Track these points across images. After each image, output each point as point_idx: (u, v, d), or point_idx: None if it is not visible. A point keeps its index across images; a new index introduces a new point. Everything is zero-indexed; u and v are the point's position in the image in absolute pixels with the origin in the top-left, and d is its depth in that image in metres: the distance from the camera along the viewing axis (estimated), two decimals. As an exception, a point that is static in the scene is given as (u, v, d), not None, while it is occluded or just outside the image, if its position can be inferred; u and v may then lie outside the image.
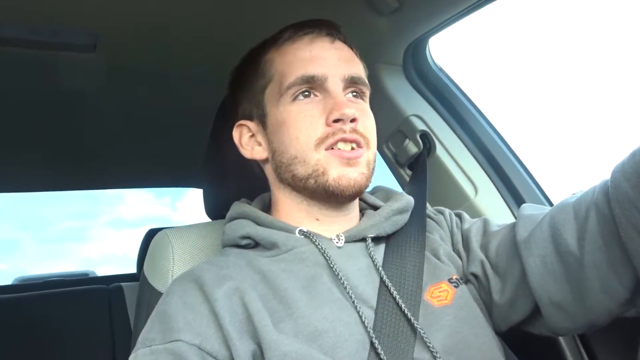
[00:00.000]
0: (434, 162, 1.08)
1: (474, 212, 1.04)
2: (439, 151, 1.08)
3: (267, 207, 0.76)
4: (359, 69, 0.70)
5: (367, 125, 0.68)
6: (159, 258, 0.79)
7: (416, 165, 1.05)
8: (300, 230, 0.66)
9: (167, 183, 2.12)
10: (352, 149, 0.65)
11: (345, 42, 0.72)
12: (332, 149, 0.65)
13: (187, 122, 1.41)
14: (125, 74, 1.17)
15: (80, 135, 1.50)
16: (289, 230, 0.67)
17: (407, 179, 1.16)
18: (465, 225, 0.74)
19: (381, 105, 1.10)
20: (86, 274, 2.49)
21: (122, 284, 1.79)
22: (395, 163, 1.17)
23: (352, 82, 0.68)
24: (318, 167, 0.64)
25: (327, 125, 0.64)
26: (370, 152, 0.68)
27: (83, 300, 1.71)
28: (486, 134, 1.08)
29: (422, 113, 1.10)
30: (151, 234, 1.71)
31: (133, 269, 1.93)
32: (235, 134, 0.74)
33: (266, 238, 0.66)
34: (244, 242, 0.68)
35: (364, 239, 0.67)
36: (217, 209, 0.88)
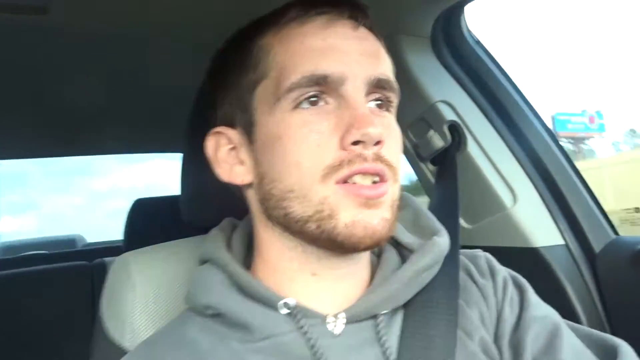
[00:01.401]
0: (464, 160, 0.89)
1: (510, 225, 0.86)
2: (471, 147, 0.89)
3: (252, 247, 0.57)
4: (387, 68, 0.51)
5: (393, 148, 0.49)
6: (117, 298, 0.62)
7: (443, 170, 0.86)
8: (285, 303, 0.48)
9: (155, 148, 1.97)
10: (374, 182, 0.47)
11: (371, 28, 0.52)
12: (346, 182, 0.46)
13: (166, 88, 1.25)
14: (84, 38, 0.97)
15: (60, 102, 1.34)
16: (270, 303, 0.48)
17: (428, 173, 0.97)
18: (527, 314, 0.52)
19: (402, 86, 0.90)
20: (72, 240, 2.36)
21: (105, 259, 1.72)
22: (414, 155, 0.98)
23: (377, 86, 0.49)
24: (323, 208, 0.46)
25: (342, 148, 0.46)
26: (396, 187, 0.49)
27: (64, 279, 1.64)
28: (532, 128, 0.88)
29: (452, 99, 0.90)
30: (137, 204, 1.57)
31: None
32: (210, 144, 0.54)
33: (237, 316, 0.48)
34: (209, 311, 0.50)
35: (374, 316, 0.49)
36: (195, 213, 0.70)
